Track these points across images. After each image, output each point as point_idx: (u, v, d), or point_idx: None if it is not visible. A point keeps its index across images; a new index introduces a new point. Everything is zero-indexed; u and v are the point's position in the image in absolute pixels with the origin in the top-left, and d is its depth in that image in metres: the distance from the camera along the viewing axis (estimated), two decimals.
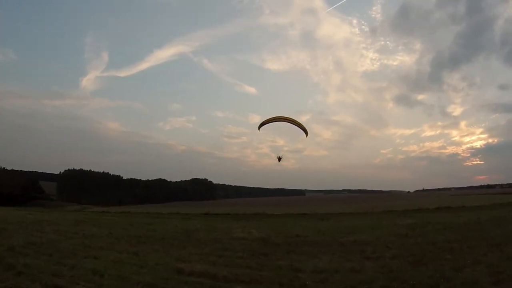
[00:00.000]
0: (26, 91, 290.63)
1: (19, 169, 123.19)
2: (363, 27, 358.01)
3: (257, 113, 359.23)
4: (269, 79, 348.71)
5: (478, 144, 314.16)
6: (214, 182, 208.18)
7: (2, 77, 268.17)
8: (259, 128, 27.58)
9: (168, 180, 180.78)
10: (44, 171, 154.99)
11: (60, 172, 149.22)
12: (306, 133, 27.10)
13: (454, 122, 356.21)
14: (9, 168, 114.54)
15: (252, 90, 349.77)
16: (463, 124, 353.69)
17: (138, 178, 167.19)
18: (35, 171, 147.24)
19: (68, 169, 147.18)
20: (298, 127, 27.07)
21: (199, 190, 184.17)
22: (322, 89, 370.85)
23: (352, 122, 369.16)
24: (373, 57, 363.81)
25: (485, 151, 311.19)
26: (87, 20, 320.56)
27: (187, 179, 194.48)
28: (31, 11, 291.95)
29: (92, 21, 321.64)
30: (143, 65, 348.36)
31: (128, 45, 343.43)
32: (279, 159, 27.91)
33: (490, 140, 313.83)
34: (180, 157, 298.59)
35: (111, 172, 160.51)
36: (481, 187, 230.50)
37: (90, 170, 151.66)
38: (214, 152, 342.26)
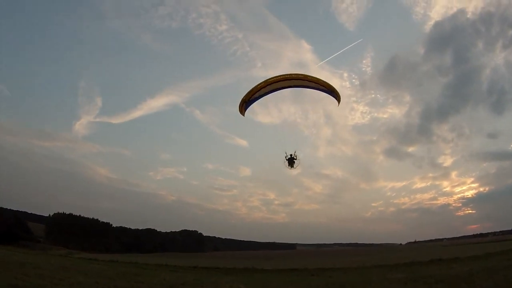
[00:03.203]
0: (17, 129, 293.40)
1: (7, 207, 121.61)
2: (353, 80, 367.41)
3: (247, 166, 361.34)
4: (260, 132, 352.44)
5: (469, 193, 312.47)
6: (204, 234, 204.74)
7: None
8: (244, 108, 23.73)
9: (158, 230, 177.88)
10: (33, 212, 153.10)
11: (49, 214, 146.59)
12: (338, 97, 22.97)
13: (445, 173, 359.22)
14: None
15: (243, 142, 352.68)
16: (453, 174, 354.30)
17: (127, 226, 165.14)
18: (24, 211, 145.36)
19: (58, 212, 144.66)
20: (319, 89, 22.86)
21: (188, 241, 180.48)
22: (312, 142, 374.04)
23: (342, 176, 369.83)
24: (364, 110, 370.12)
25: (476, 200, 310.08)
26: (83, 64, 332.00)
27: (176, 230, 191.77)
28: (28, 50, 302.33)
29: (87, 66, 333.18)
30: (136, 113, 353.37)
31: (122, 92, 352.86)
32: (291, 161, 24.32)
33: (481, 189, 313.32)
34: (170, 208, 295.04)
35: (100, 219, 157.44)
36: (473, 236, 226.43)
37: (79, 216, 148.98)
38: (204, 204, 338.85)
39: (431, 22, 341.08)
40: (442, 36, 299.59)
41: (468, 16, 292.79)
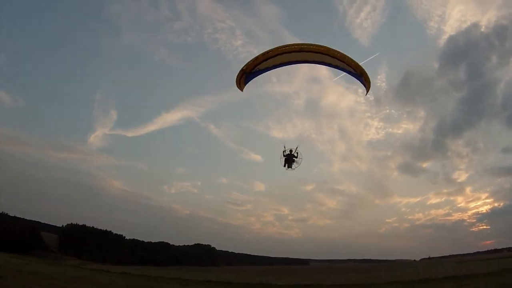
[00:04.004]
0: (32, 140, 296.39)
1: (21, 217, 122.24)
2: (368, 95, 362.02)
3: (262, 181, 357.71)
4: (275, 147, 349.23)
5: (484, 208, 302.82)
6: (217, 248, 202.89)
7: (9, 122, 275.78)
8: (244, 81, 19.81)
9: (171, 243, 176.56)
10: (46, 222, 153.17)
11: (62, 225, 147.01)
12: (368, 83, 19.23)
13: (459, 189, 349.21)
14: (11, 214, 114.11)
15: (257, 157, 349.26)
16: (468, 190, 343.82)
17: (140, 239, 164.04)
18: (38, 221, 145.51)
19: (71, 223, 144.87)
20: (344, 69, 18.83)
21: (201, 255, 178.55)
22: (326, 158, 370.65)
23: (356, 191, 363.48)
24: (378, 126, 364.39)
25: (490, 216, 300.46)
26: (98, 77, 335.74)
27: (189, 244, 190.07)
28: (44, 62, 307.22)
29: (103, 79, 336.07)
30: (151, 127, 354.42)
31: (137, 105, 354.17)
32: (289, 159, 20.37)
33: (495, 204, 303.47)
34: (183, 221, 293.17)
35: (114, 231, 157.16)
36: (488, 252, 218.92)
37: (92, 227, 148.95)
38: (218, 218, 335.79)
39: (445, 37, 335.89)
40: (456, 51, 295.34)
41: (482, 30, 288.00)
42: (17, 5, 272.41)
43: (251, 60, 19.03)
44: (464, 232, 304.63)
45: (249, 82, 20.74)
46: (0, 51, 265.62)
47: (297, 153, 20.75)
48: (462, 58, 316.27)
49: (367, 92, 20.03)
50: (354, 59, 18.72)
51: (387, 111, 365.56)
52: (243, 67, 19.37)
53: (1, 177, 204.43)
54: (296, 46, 18.42)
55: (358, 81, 19.68)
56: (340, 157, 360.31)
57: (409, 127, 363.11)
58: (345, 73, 19.81)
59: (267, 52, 18.64)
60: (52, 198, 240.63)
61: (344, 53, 18.65)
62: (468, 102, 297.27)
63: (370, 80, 19.74)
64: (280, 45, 18.63)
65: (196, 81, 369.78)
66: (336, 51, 18.53)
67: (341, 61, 18.77)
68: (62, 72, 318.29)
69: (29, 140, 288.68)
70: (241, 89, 20.62)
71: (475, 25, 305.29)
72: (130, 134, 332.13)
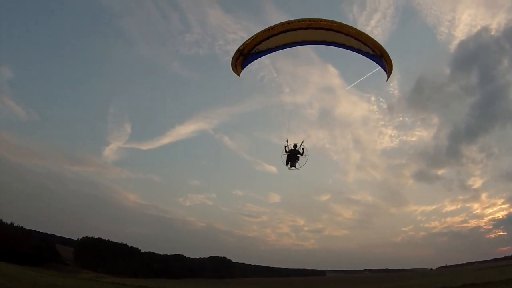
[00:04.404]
0: (47, 153, 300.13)
1: (36, 229, 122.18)
2: (381, 104, 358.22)
3: (277, 192, 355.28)
4: None
5: (500, 214, 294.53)
6: (233, 261, 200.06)
7: (24, 135, 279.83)
8: (241, 64, 17.22)
9: (186, 256, 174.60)
10: (61, 235, 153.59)
11: (78, 238, 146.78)
12: (389, 66, 16.48)
13: (475, 195, 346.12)
14: (26, 227, 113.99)
15: (272, 168, 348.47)
16: (483, 196, 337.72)
17: (156, 252, 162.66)
18: (53, 234, 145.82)
19: (86, 236, 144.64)
20: (360, 50, 16.14)
21: (218, 267, 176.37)
22: (341, 168, 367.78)
23: (372, 201, 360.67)
24: (392, 134, 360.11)
25: (507, 221, 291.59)
26: (112, 90, 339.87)
27: (205, 256, 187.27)
28: (57, 75, 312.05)
29: (117, 92, 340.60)
30: (165, 139, 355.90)
31: (150, 118, 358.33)
32: (293, 156, 17.66)
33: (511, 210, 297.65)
34: (199, 234, 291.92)
35: (129, 244, 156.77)
36: (505, 258, 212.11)
37: (108, 240, 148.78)
38: (234, 231, 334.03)
39: (456, 42, 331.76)
40: (467, 55, 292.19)
41: (492, 33, 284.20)
42: (30, 19, 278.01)
43: (249, 39, 16.34)
44: (481, 239, 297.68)
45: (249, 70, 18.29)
46: (13, 64, 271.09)
47: (302, 149, 17.91)
48: (473, 63, 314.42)
49: (389, 76, 17.19)
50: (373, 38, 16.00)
51: (401, 118, 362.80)
52: (240, 46, 16.70)
53: (16, 190, 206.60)
54: (303, 23, 15.71)
55: (378, 64, 16.98)
56: (355, 167, 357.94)
57: (423, 134, 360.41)
58: (361, 55, 17.03)
59: (269, 29, 15.96)
60: (68, 211, 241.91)
61: (361, 30, 16.04)
62: (481, 107, 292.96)
63: (392, 63, 16.98)
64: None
65: (208, 93, 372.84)
66: (350, 27, 15.88)
67: (356, 39, 16.05)
68: (76, 85, 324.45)
69: (44, 153, 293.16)
70: (238, 73, 17.78)
71: (485, 29, 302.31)
72: (144, 147, 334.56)
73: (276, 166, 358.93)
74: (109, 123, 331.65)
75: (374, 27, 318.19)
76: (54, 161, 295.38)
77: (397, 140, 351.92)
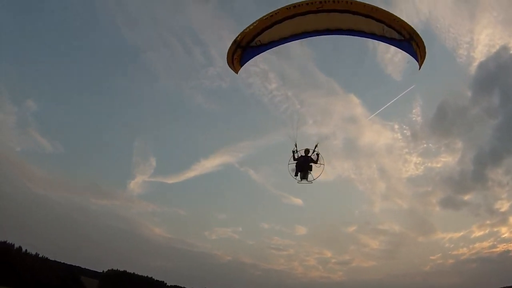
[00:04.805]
0: (72, 185, 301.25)
1: (62, 261, 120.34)
2: (404, 131, 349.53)
3: (303, 225, 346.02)
4: (315, 190, 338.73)
5: None
6: None
7: (50, 167, 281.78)
8: (239, 59, 14.19)
9: None
10: (86, 267, 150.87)
11: (103, 270, 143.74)
12: (422, 52, 12.63)
13: (503, 219, 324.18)
14: (52, 258, 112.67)
15: (298, 201, 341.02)
16: (511, 219, 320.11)
17: (182, 286, 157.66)
18: (78, 266, 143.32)
19: (112, 269, 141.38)
20: (383, 37, 12.53)
21: None
22: (367, 198, 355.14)
23: (399, 230, 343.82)
24: (417, 161, 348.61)
25: None
26: (137, 124, 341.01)
27: None
28: (82, 108, 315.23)
29: (142, 126, 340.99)
30: (190, 173, 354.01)
31: (175, 152, 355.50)
32: (303, 165, 14.00)
33: None
34: (225, 267, 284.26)
35: (155, 277, 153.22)
36: None
37: (133, 273, 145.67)
38: (260, 264, 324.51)
39: (476, 63, 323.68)
40: (487, 76, 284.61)
41: (511, 52, 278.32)
42: (56, 54, 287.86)
43: (248, 27, 13.10)
44: (511, 263, 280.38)
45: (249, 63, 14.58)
46: (38, 97, 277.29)
47: (317, 154, 14.36)
48: (494, 83, 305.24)
49: (422, 64, 13.39)
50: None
51: (425, 145, 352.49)
52: (237, 36, 13.58)
53: (42, 221, 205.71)
54: (312, 5, 12.17)
55: (406, 51, 13.33)
56: (381, 196, 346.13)
57: (447, 160, 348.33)
58: (387, 44, 13.41)
59: (272, 14, 12.54)
60: (93, 243, 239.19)
61: (381, 8, 12.31)
62: (504, 128, 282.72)
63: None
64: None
65: (232, 126, 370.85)
66: (369, 5, 12.35)
67: (378, 21, 12.50)
68: (101, 118, 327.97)
69: (69, 185, 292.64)
70: (235, 70, 14.99)
71: (504, 48, 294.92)
72: (169, 180, 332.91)
73: (302, 198, 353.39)
74: (134, 156, 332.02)
75: (394, 54, 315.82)
76: (79, 193, 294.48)
77: (422, 167, 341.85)
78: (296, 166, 14.22)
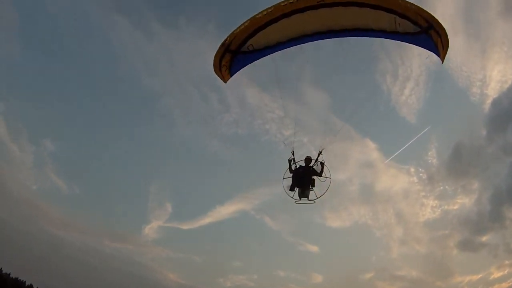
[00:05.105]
0: (86, 227, 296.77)
1: None
2: (420, 174, 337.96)
3: (319, 272, 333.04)
4: (331, 237, 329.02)
5: None
6: None
7: (66, 208, 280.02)
8: (228, 67, 11.59)
9: None
10: None
11: None
12: (445, 43, 9.54)
13: None
14: None
15: (314, 248, 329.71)
16: None
17: None
18: None
19: None
20: (394, 34, 10.18)
21: None
22: (384, 244, 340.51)
23: (417, 276, 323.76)
24: (434, 205, 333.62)
25: None
26: (153, 170, 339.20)
27: None
28: (100, 151, 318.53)
29: (158, 171, 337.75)
30: (206, 220, 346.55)
31: (191, 198, 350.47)
32: (303, 178, 10.96)
33: None
34: None
35: None
36: None
37: None
38: None
39: (489, 101, 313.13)
40: (501, 113, 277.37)
41: None
42: (75, 97, 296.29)
43: (238, 27, 10.76)
44: None
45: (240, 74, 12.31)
46: (56, 138, 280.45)
47: (321, 163, 11.15)
48: (508, 120, 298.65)
49: (444, 56, 10.32)
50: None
51: (441, 188, 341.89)
52: (226, 39, 11.03)
53: (56, 263, 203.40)
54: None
55: (423, 46, 10.44)
56: (398, 241, 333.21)
57: (464, 201, 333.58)
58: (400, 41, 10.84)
59: (265, 12, 10.41)
60: (107, 286, 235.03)
61: None
62: None
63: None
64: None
65: (248, 173, 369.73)
66: None
67: (390, 12, 9.87)
68: (117, 162, 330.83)
69: (84, 227, 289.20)
70: (224, 79, 12.10)
71: None
72: (185, 226, 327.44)
73: (318, 245, 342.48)
74: (150, 201, 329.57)
75: (409, 96, 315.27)
76: (94, 235, 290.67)
77: (439, 210, 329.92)
78: (292, 179, 11.03)
